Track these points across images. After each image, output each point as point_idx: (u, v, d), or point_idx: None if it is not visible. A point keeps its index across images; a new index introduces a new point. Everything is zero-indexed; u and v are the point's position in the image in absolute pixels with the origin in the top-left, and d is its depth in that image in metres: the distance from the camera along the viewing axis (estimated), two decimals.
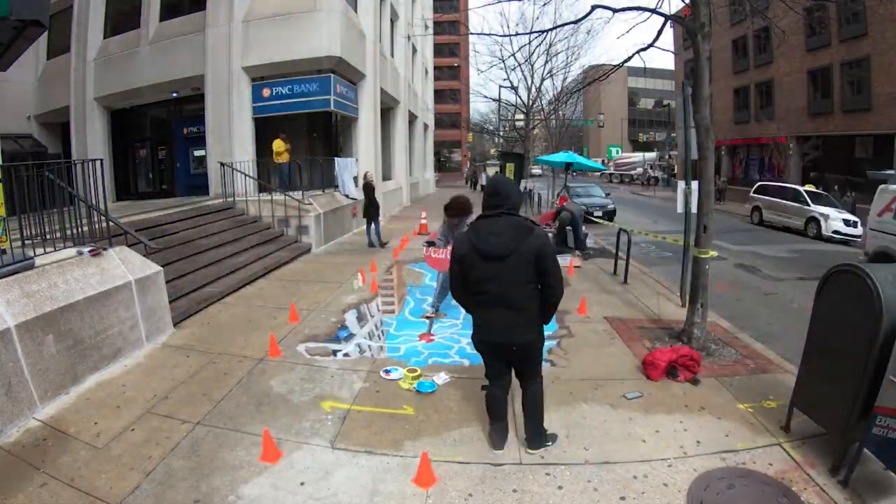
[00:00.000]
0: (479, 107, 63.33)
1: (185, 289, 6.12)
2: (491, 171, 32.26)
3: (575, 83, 21.77)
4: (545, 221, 10.26)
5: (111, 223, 5.09)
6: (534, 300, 2.82)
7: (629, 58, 6.06)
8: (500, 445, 3.13)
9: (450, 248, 5.81)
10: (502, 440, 3.15)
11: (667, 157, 39.07)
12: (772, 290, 7.90)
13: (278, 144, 11.18)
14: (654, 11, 5.37)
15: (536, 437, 3.12)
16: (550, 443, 3.19)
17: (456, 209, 5.39)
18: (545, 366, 4.19)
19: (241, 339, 5.06)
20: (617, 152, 51.88)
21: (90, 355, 4.14)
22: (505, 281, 2.74)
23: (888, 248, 8.54)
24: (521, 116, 21.42)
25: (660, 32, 5.69)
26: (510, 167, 21.33)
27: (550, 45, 17.82)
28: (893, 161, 15.37)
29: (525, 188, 17.50)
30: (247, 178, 10.16)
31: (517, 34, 14.57)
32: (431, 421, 3.52)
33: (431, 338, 5.18)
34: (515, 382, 3.13)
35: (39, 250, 4.26)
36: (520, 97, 20.24)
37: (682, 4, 7.37)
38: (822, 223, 13.72)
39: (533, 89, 19.28)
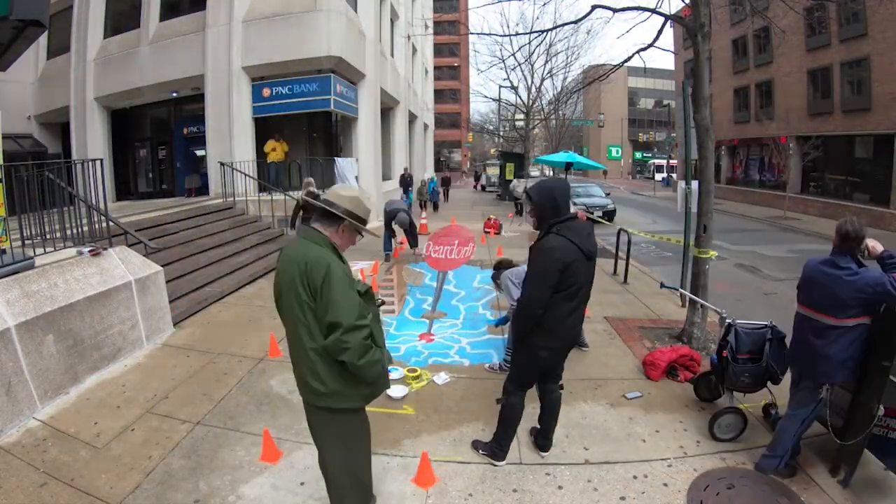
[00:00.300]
0: (479, 107, 63.41)
1: (185, 289, 6.12)
2: (491, 170, 32.28)
3: (575, 83, 21.81)
4: None
5: (111, 223, 5.10)
6: None
7: (629, 58, 6.06)
8: (504, 457, 3.04)
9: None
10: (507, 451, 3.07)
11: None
12: (772, 290, 7.90)
13: (270, 145, 11.55)
14: (654, 11, 5.36)
15: (550, 440, 3.15)
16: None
17: None
18: None
19: (241, 338, 5.06)
20: (617, 152, 51.90)
21: (90, 355, 4.14)
22: (591, 279, 2.78)
23: None
24: (521, 116, 21.43)
25: (660, 32, 5.69)
26: (510, 167, 21.41)
27: (550, 45, 17.89)
28: (893, 161, 15.37)
29: (525, 188, 17.52)
30: (247, 178, 10.16)
31: (517, 34, 14.54)
32: (431, 421, 3.52)
33: (431, 338, 5.18)
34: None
35: (39, 250, 4.26)
36: (520, 97, 20.29)
37: (682, 4, 7.37)
38: None
39: (533, 89, 19.32)
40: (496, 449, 3.02)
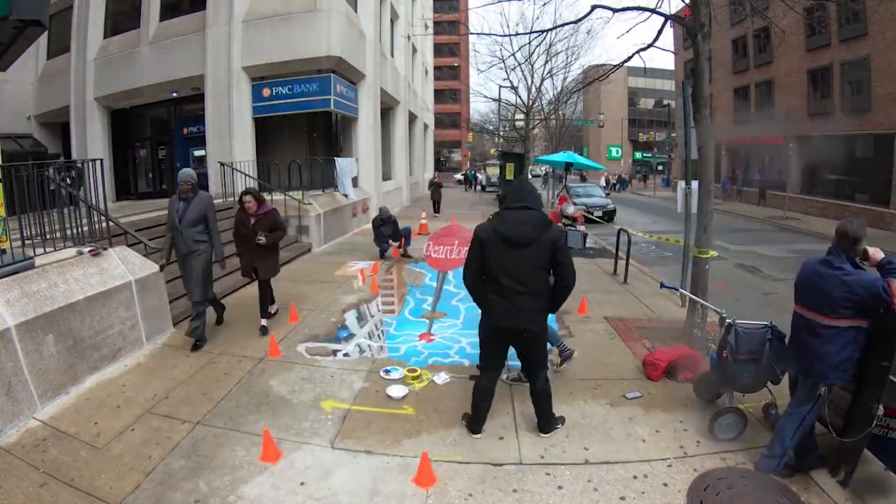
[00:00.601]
0: (479, 107, 63.30)
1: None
2: (491, 170, 32.29)
3: (575, 83, 21.80)
4: None
5: (111, 223, 5.09)
6: (547, 287, 3.03)
7: (629, 58, 6.05)
8: (478, 429, 3.30)
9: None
10: (480, 425, 3.32)
11: None
12: (772, 290, 7.90)
13: None
14: (654, 11, 5.36)
15: (548, 423, 3.31)
16: (560, 425, 3.36)
17: None
18: None
19: (241, 338, 5.06)
20: (617, 152, 51.86)
21: (90, 355, 4.14)
22: (524, 267, 2.93)
23: None
24: (521, 116, 21.42)
25: (660, 32, 5.69)
26: (510, 167, 21.42)
27: (550, 46, 17.85)
28: (893, 161, 15.36)
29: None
30: (247, 178, 10.15)
31: (517, 34, 14.54)
32: (431, 421, 3.52)
33: (431, 338, 5.18)
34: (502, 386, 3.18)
35: (39, 250, 4.26)
36: (520, 97, 20.28)
37: (682, 4, 7.36)
38: None
39: (533, 89, 19.30)
40: (470, 422, 3.34)
